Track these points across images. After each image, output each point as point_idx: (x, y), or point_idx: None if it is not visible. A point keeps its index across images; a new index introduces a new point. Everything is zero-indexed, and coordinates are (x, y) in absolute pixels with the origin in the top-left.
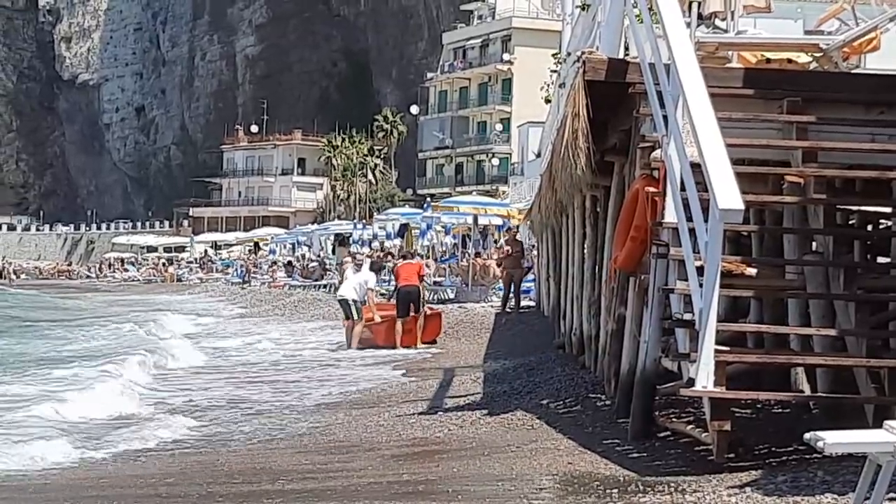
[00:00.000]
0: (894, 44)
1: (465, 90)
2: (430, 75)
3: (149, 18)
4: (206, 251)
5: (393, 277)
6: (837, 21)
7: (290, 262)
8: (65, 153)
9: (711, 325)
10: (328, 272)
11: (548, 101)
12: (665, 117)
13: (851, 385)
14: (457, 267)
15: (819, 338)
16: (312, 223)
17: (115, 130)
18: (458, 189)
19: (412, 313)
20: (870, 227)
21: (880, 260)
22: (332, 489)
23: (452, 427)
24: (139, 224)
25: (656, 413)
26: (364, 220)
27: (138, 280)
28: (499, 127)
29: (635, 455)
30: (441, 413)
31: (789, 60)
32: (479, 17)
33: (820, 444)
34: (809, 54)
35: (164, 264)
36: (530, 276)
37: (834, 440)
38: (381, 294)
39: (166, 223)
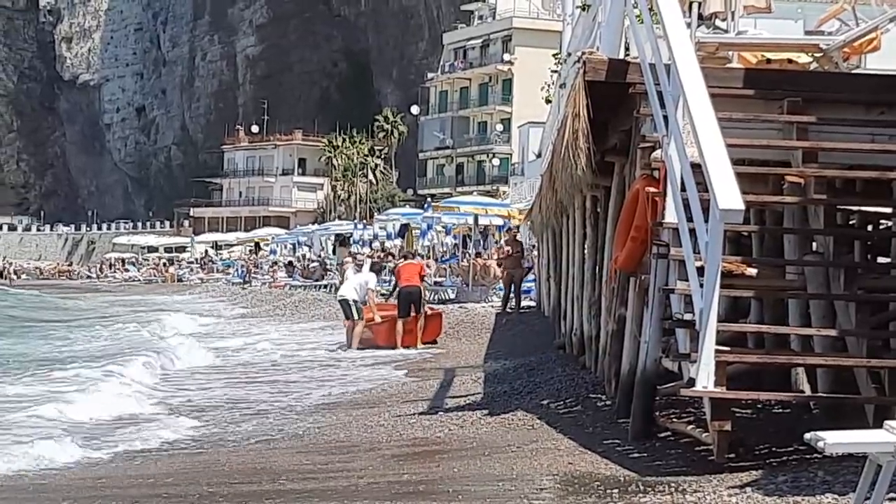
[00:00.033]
0: (895, 44)
1: (465, 90)
2: (430, 75)
3: (149, 19)
4: (206, 251)
5: (393, 277)
6: (838, 21)
7: (290, 263)
8: (65, 153)
9: (712, 326)
10: (329, 272)
11: (548, 101)
12: (665, 117)
13: (852, 385)
14: (457, 267)
15: (819, 338)
16: (313, 223)
17: (116, 131)
18: (459, 189)
19: (413, 314)
20: (870, 228)
21: (881, 260)
22: (333, 489)
23: (453, 427)
24: (140, 224)
25: (657, 413)
26: (364, 221)
27: (139, 280)
28: (499, 127)
29: (636, 455)
30: (441, 413)
31: (790, 61)
32: (480, 18)
33: (820, 444)
34: (810, 54)
35: (164, 264)
36: (531, 277)
37: (834, 440)
38: (381, 294)
39: (167, 223)
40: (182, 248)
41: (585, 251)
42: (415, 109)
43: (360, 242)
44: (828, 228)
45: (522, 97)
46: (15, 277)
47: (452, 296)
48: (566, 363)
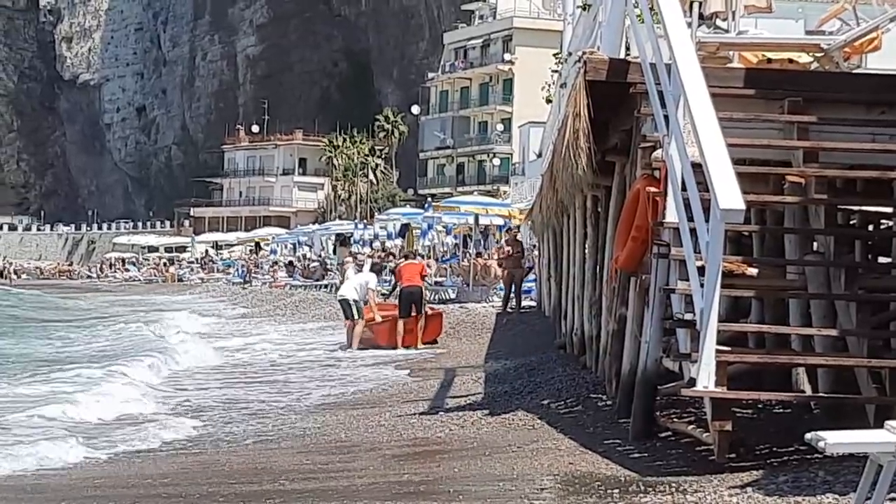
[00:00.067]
0: (895, 44)
1: (466, 90)
2: (431, 75)
3: (150, 18)
4: (207, 251)
5: (393, 277)
6: (839, 21)
7: (291, 262)
8: (66, 153)
9: (712, 326)
10: (329, 272)
11: (549, 101)
12: (666, 117)
13: (853, 385)
14: (458, 267)
15: (820, 338)
16: (313, 223)
17: (116, 130)
18: (460, 189)
19: (414, 313)
20: (871, 227)
21: (881, 260)
22: (333, 489)
23: (453, 427)
24: (140, 224)
25: (657, 413)
26: (365, 220)
27: (139, 280)
28: (500, 127)
29: (636, 455)
30: (442, 413)
31: (790, 60)
32: (481, 17)
33: (821, 444)
34: (811, 54)
35: (165, 264)
36: (531, 277)
37: (835, 440)
38: (382, 294)
39: (167, 223)
40: (182, 248)
41: (586, 251)
42: (415, 109)
43: (361, 242)
44: (828, 228)
45: (523, 97)
46: (15, 277)
47: (453, 296)
48: (567, 363)
